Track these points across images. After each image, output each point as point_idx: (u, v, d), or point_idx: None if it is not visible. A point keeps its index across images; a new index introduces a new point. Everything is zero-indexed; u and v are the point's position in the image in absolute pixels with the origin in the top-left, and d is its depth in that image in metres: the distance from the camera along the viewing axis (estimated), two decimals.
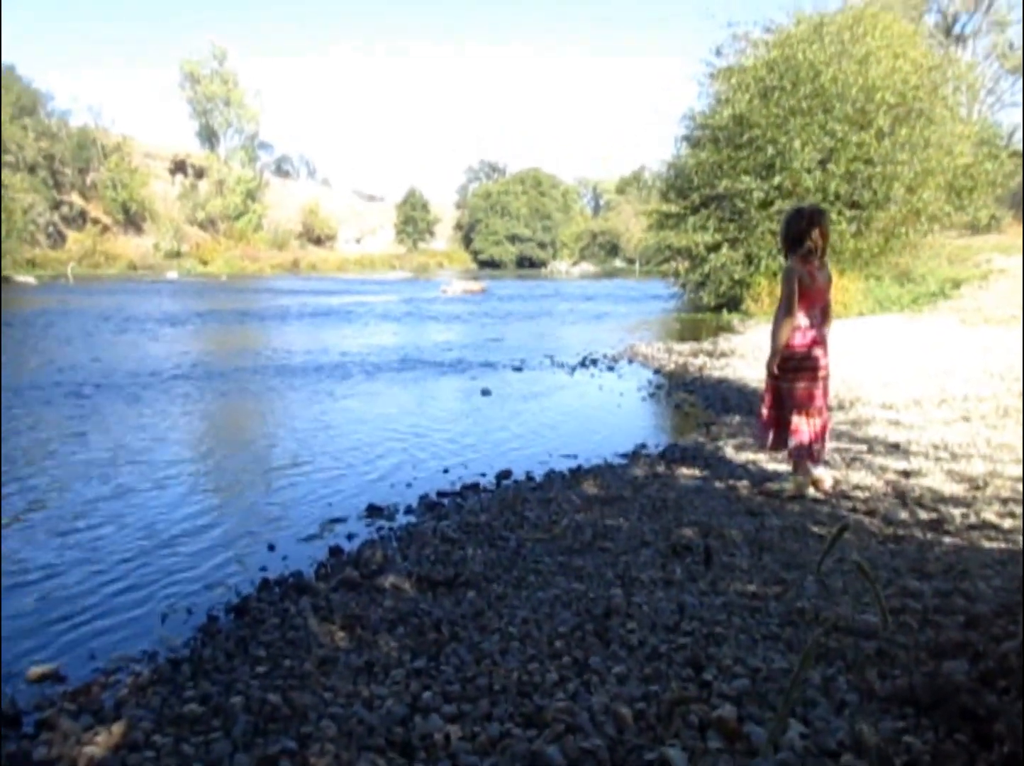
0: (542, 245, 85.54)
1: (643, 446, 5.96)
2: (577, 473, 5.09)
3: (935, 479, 4.54)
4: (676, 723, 1.97)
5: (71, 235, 55.96)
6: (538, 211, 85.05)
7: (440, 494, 4.76)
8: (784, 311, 4.17)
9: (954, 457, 5.01)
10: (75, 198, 59.29)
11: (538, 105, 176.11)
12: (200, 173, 71.59)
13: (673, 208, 20.28)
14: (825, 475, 4.39)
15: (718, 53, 19.86)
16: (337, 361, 11.11)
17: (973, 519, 3.78)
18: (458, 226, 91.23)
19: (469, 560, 3.40)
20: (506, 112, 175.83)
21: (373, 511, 4.46)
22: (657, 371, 10.10)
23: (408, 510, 4.48)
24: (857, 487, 4.45)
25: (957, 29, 40.19)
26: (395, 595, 3.06)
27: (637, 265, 64.23)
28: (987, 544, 3.44)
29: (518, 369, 10.44)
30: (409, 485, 5.03)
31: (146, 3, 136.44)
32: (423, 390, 8.95)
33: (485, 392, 8.53)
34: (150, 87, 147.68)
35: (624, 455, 5.69)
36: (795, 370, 4.22)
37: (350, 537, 4.05)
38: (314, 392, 8.66)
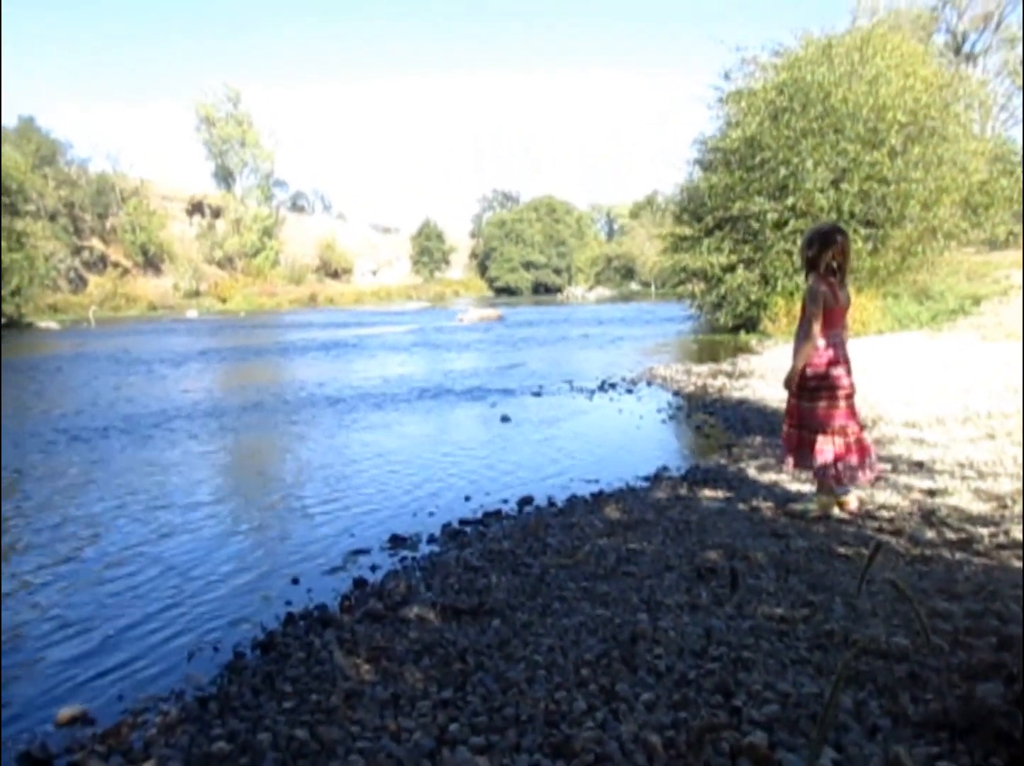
0: (557, 271, 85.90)
1: (665, 469, 5.93)
2: (599, 497, 5.07)
3: (961, 498, 4.48)
4: (707, 751, 1.95)
5: (92, 279, 56.93)
6: (552, 237, 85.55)
7: (462, 522, 4.76)
8: (806, 330, 4.16)
9: (980, 475, 4.95)
10: (95, 243, 60.44)
11: (550, 131, 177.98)
12: (217, 213, 72.71)
13: (687, 231, 20.34)
14: (850, 495, 4.35)
15: (727, 77, 20.00)
16: (356, 392, 11.18)
17: (1002, 538, 3.73)
18: (473, 255, 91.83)
19: (493, 588, 3.39)
20: (518, 140, 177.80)
21: (396, 541, 4.47)
22: (676, 393, 10.07)
23: (431, 539, 4.48)
24: (882, 507, 4.40)
25: (967, 48, 40.19)
26: (420, 626, 3.05)
27: (653, 288, 64.27)
28: (1017, 563, 3.39)
29: (537, 394, 10.45)
30: (431, 514, 5.04)
31: (159, 45, 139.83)
32: (442, 418, 8.97)
33: (505, 418, 8.54)
34: (166, 131, 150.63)
35: (646, 478, 5.67)
36: (815, 389, 4.20)
37: (374, 568, 4.05)
38: (334, 424, 8.71)
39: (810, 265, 4.21)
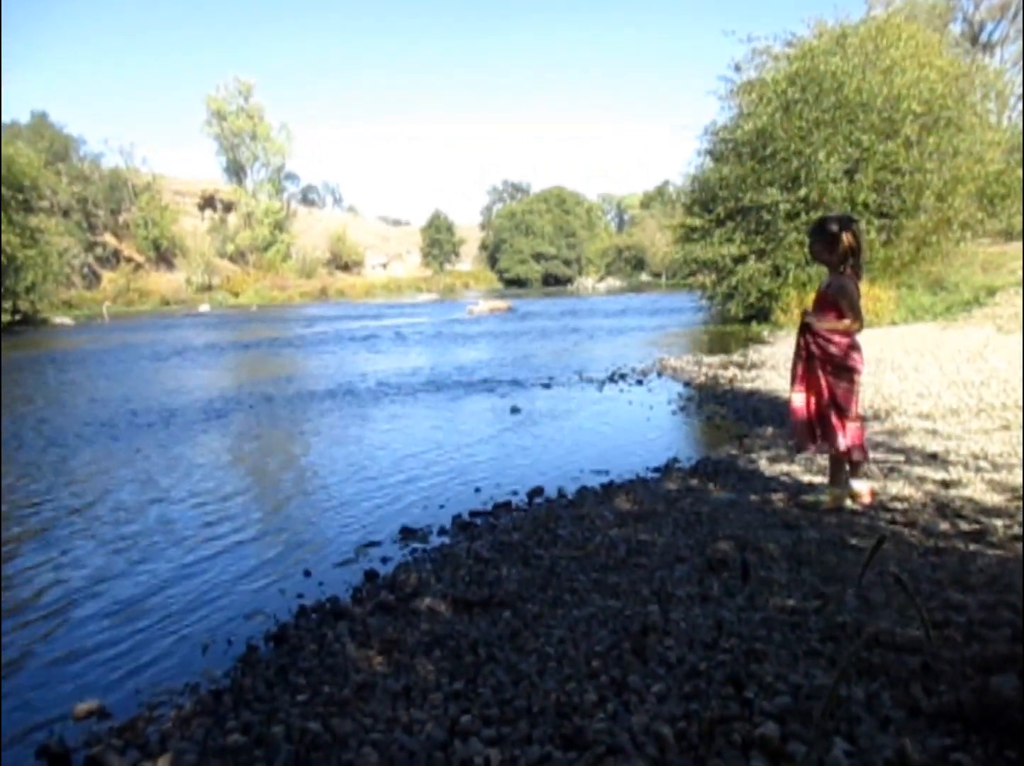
0: (567, 262, 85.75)
1: (675, 460, 5.92)
2: (609, 489, 5.07)
3: (976, 489, 4.45)
4: (718, 742, 1.95)
5: (105, 275, 57.32)
6: (563, 229, 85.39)
7: (473, 514, 4.77)
8: (854, 321, 4.06)
9: (995, 467, 4.91)
10: (108, 238, 60.84)
11: (562, 124, 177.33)
12: (228, 207, 73.00)
13: (698, 222, 20.25)
14: (863, 486, 4.31)
15: (737, 68, 19.87)
16: (367, 385, 11.20)
17: (1017, 530, 3.69)
18: (483, 247, 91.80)
19: (503, 580, 3.39)
20: (529, 132, 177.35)
21: (407, 533, 4.48)
22: (687, 384, 10.04)
23: (441, 531, 4.49)
24: (895, 498, 4.38)
25: (984, 37, 39.67)
26: (431, 617, 3.06)
27: (663, 279, 64.13)
28: None
29: (547, 386, 10.44)
30: (442, 506, 5.05)
31: (172, 40, 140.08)
32: (453, 410, 8.98)
33: (515, 410, 8.54)
34: (178, 125, 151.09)
35: (656, 469, 5.66)
36: (837, 369, 4.13)
37: (385, 560, 4.06)
38: (345, 417, 8.74)
39: (840, 259, 4.02)
